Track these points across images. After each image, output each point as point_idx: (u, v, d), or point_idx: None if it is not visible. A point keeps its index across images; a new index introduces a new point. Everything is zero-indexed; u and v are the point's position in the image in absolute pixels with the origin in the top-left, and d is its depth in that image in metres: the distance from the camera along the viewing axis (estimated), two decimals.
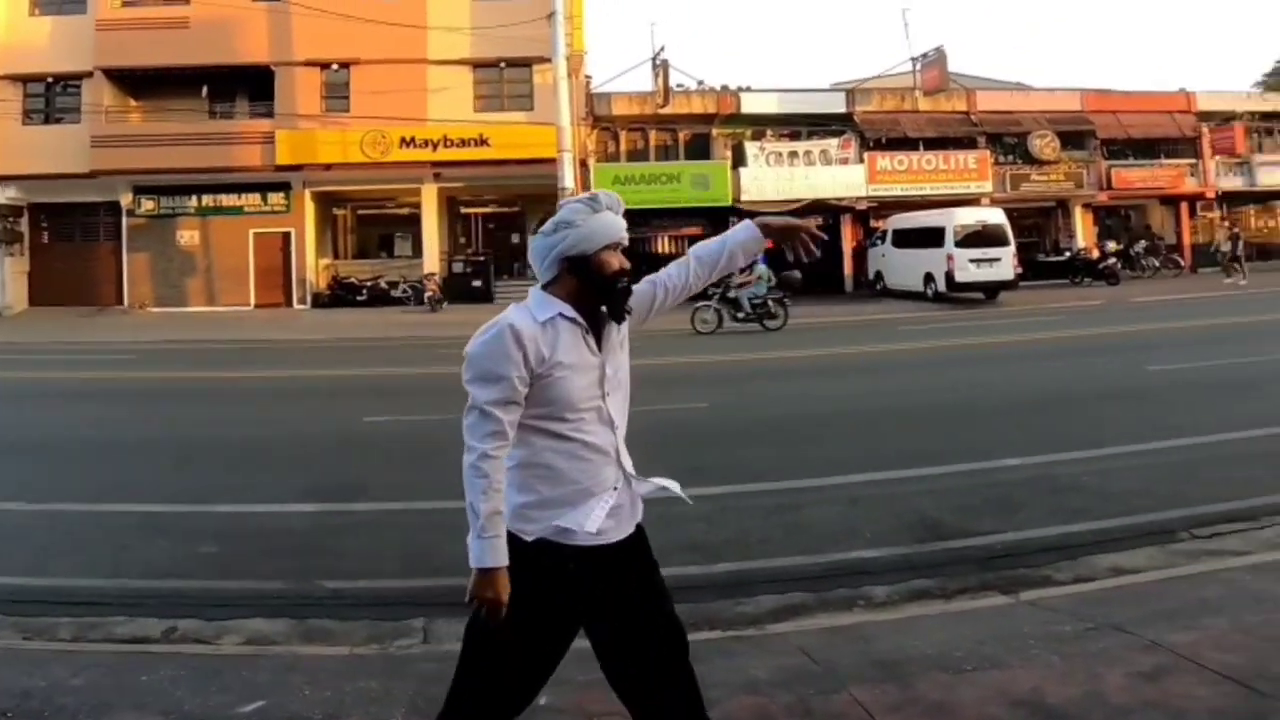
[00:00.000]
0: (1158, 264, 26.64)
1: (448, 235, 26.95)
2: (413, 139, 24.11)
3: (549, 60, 21.28)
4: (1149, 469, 6.12)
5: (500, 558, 2.00)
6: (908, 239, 23.56)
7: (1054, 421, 7.81)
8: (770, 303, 17.13)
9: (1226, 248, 24.17)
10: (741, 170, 25.49)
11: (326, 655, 3.66)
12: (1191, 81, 59.02)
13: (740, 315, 17.06)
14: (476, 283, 24.69)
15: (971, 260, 21.44)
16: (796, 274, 17.37)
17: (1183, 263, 27.50)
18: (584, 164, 24.03)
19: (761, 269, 17.05)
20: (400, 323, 20.98)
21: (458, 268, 25.45)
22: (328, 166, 24.54)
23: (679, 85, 26.73)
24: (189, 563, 4.87)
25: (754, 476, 6.18)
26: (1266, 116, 29.26)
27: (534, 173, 22.55)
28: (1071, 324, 16.05)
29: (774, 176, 25.58)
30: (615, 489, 2.16)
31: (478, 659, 2.11)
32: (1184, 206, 28.54)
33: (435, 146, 24.14)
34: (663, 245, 26.99)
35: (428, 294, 23.34)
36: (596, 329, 2.16)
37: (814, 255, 2.42)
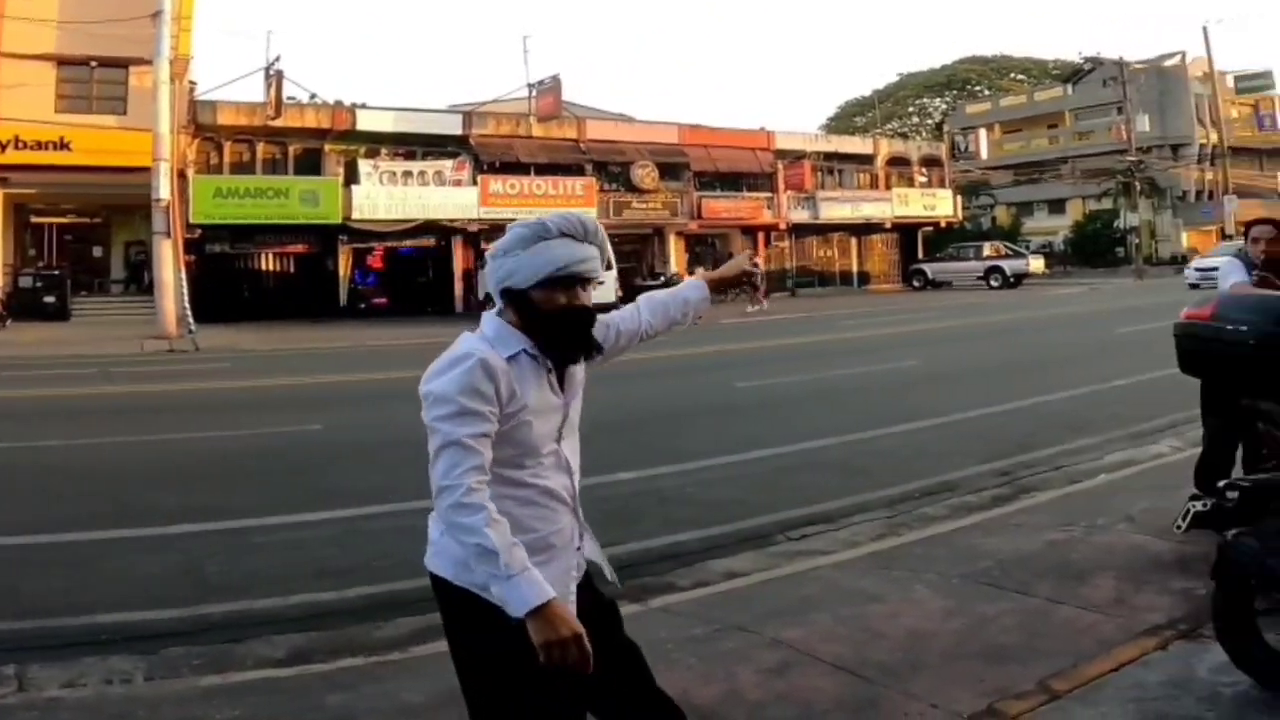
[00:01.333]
0: (737, 291, 35.93)
1: (14, 246, 28.63)
2: None
3: (149, 62, 24.06)
4: (743, 478, 7.89)
5: (544, 589, 2.05)
6: None
7: (657, 437, 9.69)
8: None
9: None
10: (354, 188, 30.57)
11: None
12: (771, 121, 74.25)
13: None
14: (49, 299, 26.94)
15: None
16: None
17: (760, 287, 37.44)
18: (182, 174, 27.10)
19: None
20: None
21: (25, 282, 27.44)
22: None
23: (292, 98, 30.71)
24: None
25: (383, 497, 7.16)
26: (829, 156, 40.49)
27: (124, 181, 25.12)
28: (668, 345, 21.91)
29: (387, 195, 31.09)
30: (579, 548, 2.39)
31: None
32: (761, 236, 38.61)
33: (4, 148, 25.92)
34: (268, 263, 31.47)
35: None
36: (559, 368, 2.31)
37: (758, 287, 4.65)
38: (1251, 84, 55.72)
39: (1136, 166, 46.75)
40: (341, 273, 32.23)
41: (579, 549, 2.41)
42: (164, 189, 23.60)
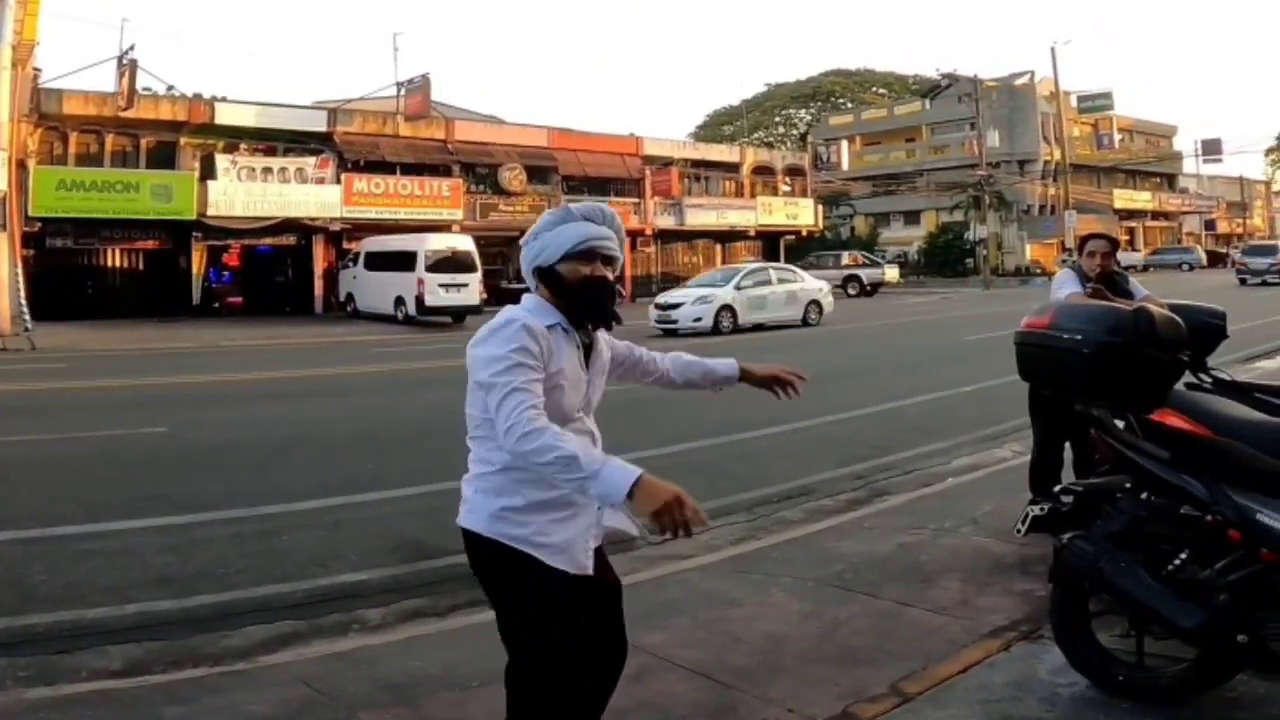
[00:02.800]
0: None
1: None
2: None
3: None
4: None
5: (630, 471, 2.19)
6: (380, 262, 29.08)
7: None
8: None
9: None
10: (210, 183, 29.39)
11: None
12: (640, 127, 75.43)
13: None
14: None
15: (441, 285, 26.94)
16: None
17: (623, 292, 37.48)
18: (22, 165, 25.69)
19: None
20: None
21: None
22: None
23: (147, 89, 29.57)
24: None
25: (223, 503, 7.06)
26: (697, 164, 41.09)
27: None
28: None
29: (245, 192, 29.99)
30: (600, 511, 2.55)
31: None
32: (627, 242, 38.62)
33: None
34: (115, 259, 29.96)
35: None
36: (587, 336, 2.60)
37: (797, 395, 3.16)
38: (1093, 104, 58.99)
39: (986, 181, 48.95)
40: (195, 271, 30.90)
41: (600, 510, 2.57)
42: (1, 180, 22.53)
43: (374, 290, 29.25)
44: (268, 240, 31.97)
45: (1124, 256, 42.17)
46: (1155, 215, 68.64)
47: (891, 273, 43.41)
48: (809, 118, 78.84)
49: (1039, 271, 51.84)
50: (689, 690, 3.83)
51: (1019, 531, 4.07)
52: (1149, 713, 3.48)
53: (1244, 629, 3.27)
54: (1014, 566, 5.34)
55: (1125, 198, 63.77)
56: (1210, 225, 75.32)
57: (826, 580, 5.18)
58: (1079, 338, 3.88)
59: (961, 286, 44.76)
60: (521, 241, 2.63)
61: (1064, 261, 42.89)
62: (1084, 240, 6.30)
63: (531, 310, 2.51)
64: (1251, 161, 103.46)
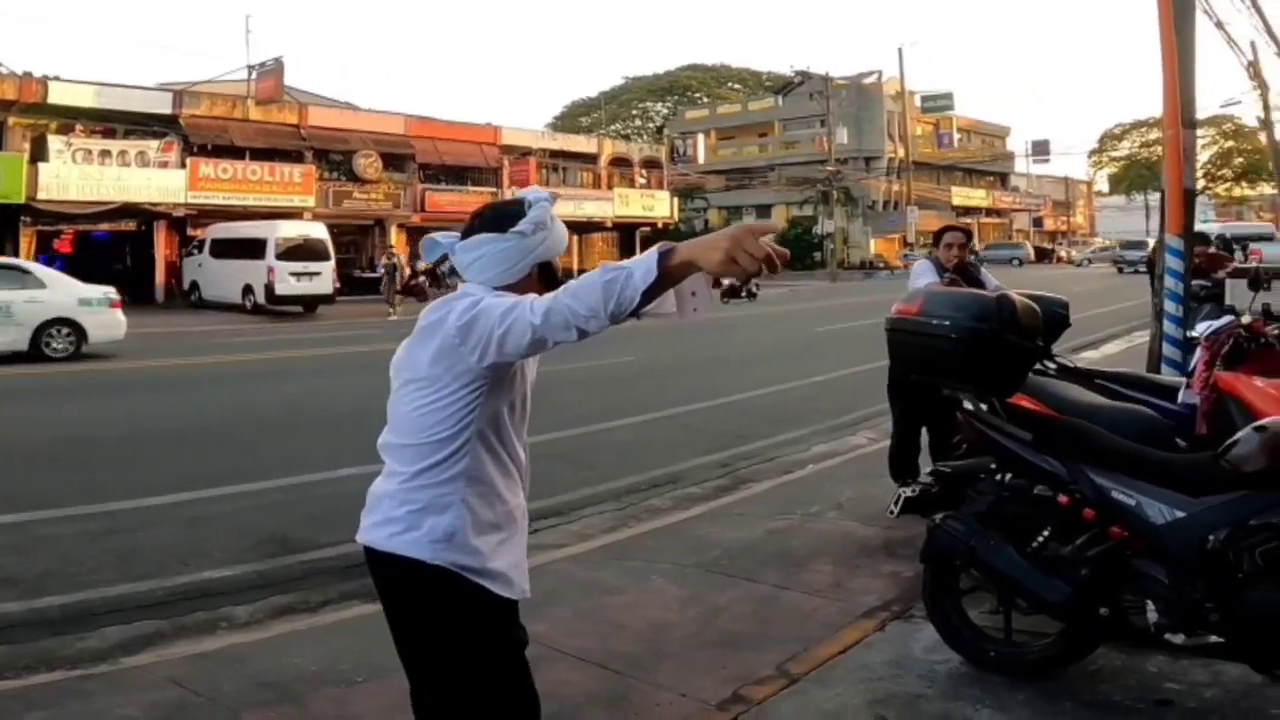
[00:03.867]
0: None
1: None
2: None
3: None
4: None
5: (650, 251, 1.89)
6: (228, 249, 27.95)
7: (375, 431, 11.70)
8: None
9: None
10: (41, 165, 27.49)
11: None
12: (499, 117, 75.09)
13: None
14: None
15: (292, 273, 26.17)
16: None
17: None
18: None
19: None
20: None
21: None
22: None
23: None
24: None
25: (65, 500, 6.64)
26: (555, 154, 40.90)
27: None
28: (385, 338, 21.00)
29: (80, 175, 28.16)
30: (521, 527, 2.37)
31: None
32: None
33: None
34: None
35: None
36: None
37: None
38: (935, 104, 61.47)
39: (835, 176, 50.40)
40: (22, 257, 28.80)
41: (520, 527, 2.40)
42: None
43: (221, 278, 28.13)
44: (105, 226, 30.11)
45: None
46: (989, 212, 72.04)
47: None
48: (665, 111, 79.49)
49: (882, 265, 53.81)
50: (581, 679, 3.79)
51: (892, 513, 4.17)
52: (1020, 686, 3.63)
53: (1105, 603, 3.43)
54: (880, 549, 5.50)
55: (962, 195, 66.72)
56: (1038, 222, 79.59)
57: (704, 566, 5.22)
58: (947, 324, 4.00)
59: (810, 279, 45.94)
60: (517, 230, 2.23)
61: (905, 256, 44.59)
62: (940, 233, 6.52)
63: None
64: (1076, 163, 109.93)
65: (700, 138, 56.25)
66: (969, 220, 64.21)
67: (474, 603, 2.21)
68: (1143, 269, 40.01)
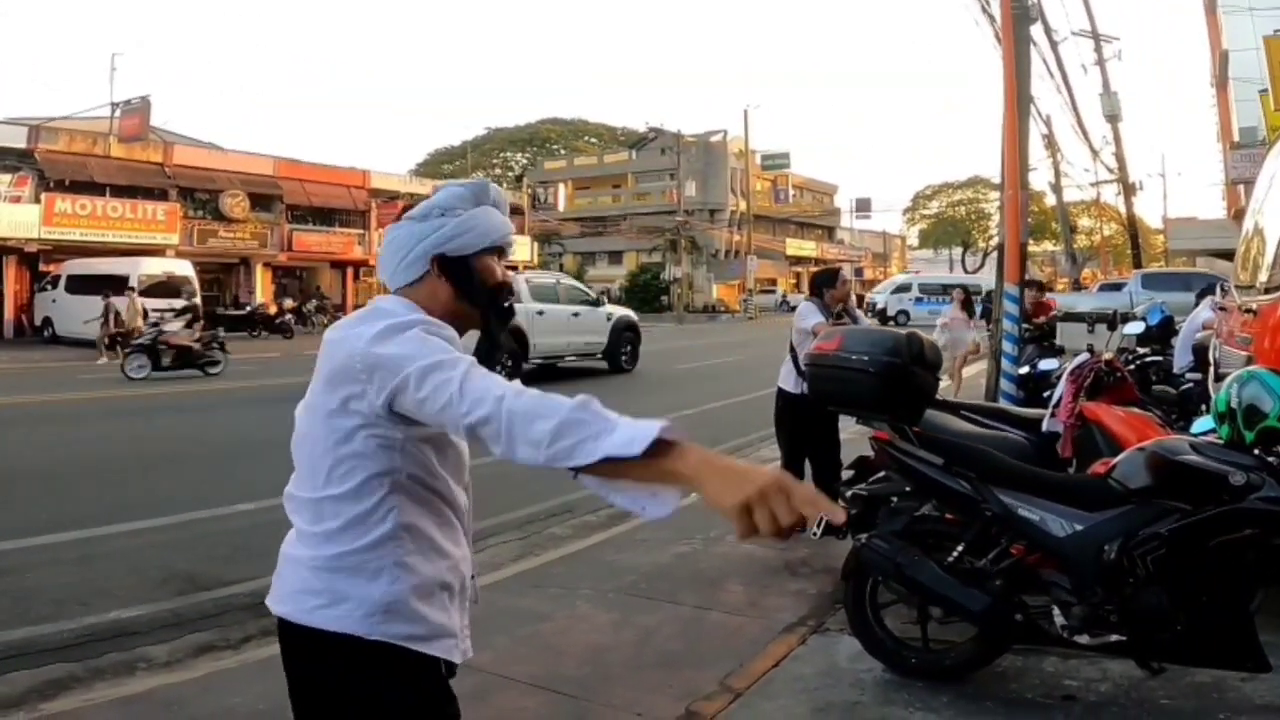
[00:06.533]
0: (326, 320, 34.74)
1: None
2: None
3: None
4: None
5: (651, 423, 1.42)
6: (86, 285, 26.24)
7: (278, 466, 10.82)
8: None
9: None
10: None
11: None
12: (362, 162, 74.06)
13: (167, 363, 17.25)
14: None
15: (155, 310, 25.38)
16: None
17: None
18: None
19: None
20: None
21: None
22: None
23: None
24: None
25: None
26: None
27: None
28: (260, 374, 19.25)
29: None
30: (473, 577, 1.93)
31: None
32: (350, 271, 37.51)
33: None
34: None
35: None
36: (489, 357, 1.81)
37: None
38: (774, 162, 63.59)
39: (683, 226, 51.47)
40: None
41: (473, 579, 1.97)
42: None
43: (76, 314, 26.20)
44: None
45: (793, 298, 46.08)
46: (818, 262, 74.87)
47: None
48: (525, 161, 79.57)
49: (724, 309, 55.15)
50: (537, 705, 3.67)
51: (814, 534, 4.23)
52: (941, 689, 3.72)
53: (1019, 609, 3.57)
54: (782, 569, 5.56)
55: (795, 246, 69.14)
56: (859, 272, 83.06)
57: (624, 590, 5.16)
58: (865, 359, 4.12)
59: (659, 321, 46.56)
60: (408, 215, 1.84)
61: (744, 301, 45.46)
62: (829, 274, 6.74)
63: (413, 313, 1.73)
64: (892, 219, 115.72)
65: (562, 187, 56.46)
66: (799, 269, 66.59)
67: (414, 678, 1.76)
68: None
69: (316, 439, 1.71)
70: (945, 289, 37.28)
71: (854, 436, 7.84)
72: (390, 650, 1.71)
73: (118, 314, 22.82)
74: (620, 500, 1.52)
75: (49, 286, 27.86)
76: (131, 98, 31.64)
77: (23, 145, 28.89)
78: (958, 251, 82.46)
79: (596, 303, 19.25)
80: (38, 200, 28.34)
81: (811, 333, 6.27)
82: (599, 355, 18.65)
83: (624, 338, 19.11)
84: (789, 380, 6.54)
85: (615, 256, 65.01)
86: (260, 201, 33.89)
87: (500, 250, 1.88)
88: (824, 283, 6.73)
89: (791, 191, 65.69)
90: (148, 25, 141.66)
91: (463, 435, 1.58)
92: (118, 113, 31.54)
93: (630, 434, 1.42)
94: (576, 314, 17.99)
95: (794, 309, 6.97)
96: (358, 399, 1.64)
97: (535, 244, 47.73)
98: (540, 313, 16.81)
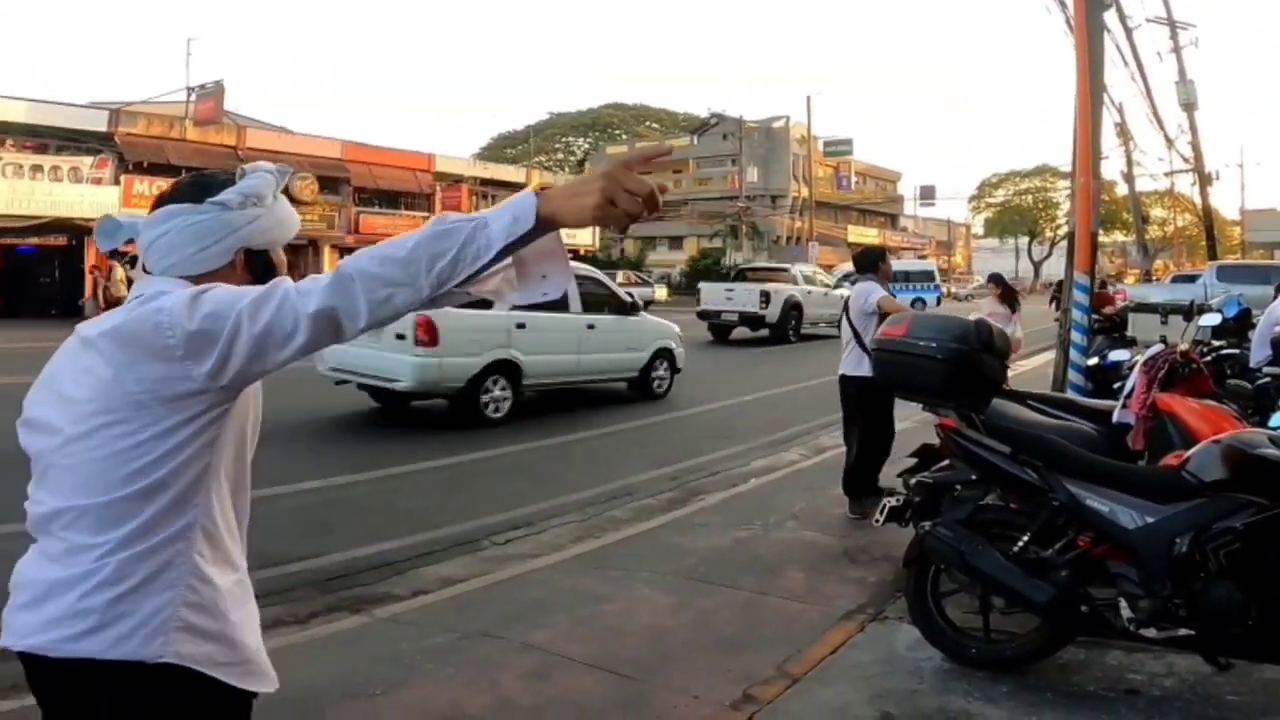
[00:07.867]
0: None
1: None
2: None
3: None
4: (432, 485, 7.56)
5: (520, 194, 1.34)
6: None
7: (342, 443, 9.28)
8: None
9: None
10: None
11: None
12: (427, 145, 74.77)
13: None
14: None
15: None
16: None
17: None
18: None
19: None
20: None
21: None
22: None
23: None
24: None
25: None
26: (485, 182, 40.55)
27: None
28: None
29: (9, 189, 26.91)
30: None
31: None
32: None
33: None
34: None
35: None
36: None
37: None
38: (836, 149, 62.83)
39: (744, 212, 51.15)
40: None
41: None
42: None
43: None
44: (33, 240, 28.79)
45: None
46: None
47: (661, 292, 44.60)
48: (587, 146, 79.66)
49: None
50: (595, 684, 3.69)
51: (878, 522, 4.19)
52: (1001, 680, 3.68)
53: (1084, 601, 3.50)
54: (841, 556, 5.53)
55: (857, 233, 68.20)
56: (922, 259, 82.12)
57: (683, 574, 5.16)
58: (933, 345, 4.06)
59: None
60: (219, 201, 1.60)
61: (847, 277, 45.61)
62: (882, 250, 6.98)
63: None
64: (957, 207, 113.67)
65: None
66: None
67: (213, 710, 1.54)
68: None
69: (102, 438, 1.46)
70: (907, 277, 36.04)
71: (914, 425, 7.77)
72: (183, 676, 1.49)
73: (107, 288, 23.46)
74: (518, 298, 1.47)
75: (129, 266, 28.64)
76: (206, 82, 32.31)
77: (104, 129, 29.64)
78: (1024, 241, 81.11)
79: (632, 308, 12.98)
80: (117, 182, 29.10)
81: (877, 306, 6.25)
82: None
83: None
84: (853, 364, 6.52)
85: (676, 242, 64.80)
86: (328, 184, 34.39)
87: (287, 245, 1.75)
88: (878, 258, 6.79)
89: (854, 178, 64.85)
90: (222, 11, 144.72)
91: (318, 332, 1.38)
92: (193, 97, 32.26)
93: (509, 215, 1.33)
94: (592, 326, 11.74)
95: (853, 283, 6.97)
96: (177, 384, 1.43)
97: (596, 228, 47.80)
98: (521, 325, 10.55)
